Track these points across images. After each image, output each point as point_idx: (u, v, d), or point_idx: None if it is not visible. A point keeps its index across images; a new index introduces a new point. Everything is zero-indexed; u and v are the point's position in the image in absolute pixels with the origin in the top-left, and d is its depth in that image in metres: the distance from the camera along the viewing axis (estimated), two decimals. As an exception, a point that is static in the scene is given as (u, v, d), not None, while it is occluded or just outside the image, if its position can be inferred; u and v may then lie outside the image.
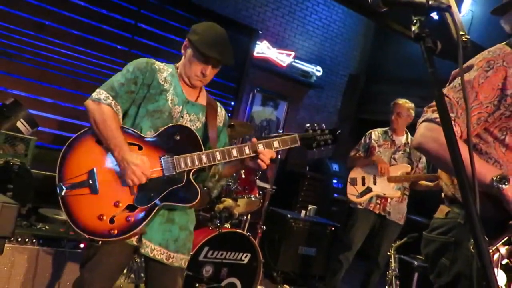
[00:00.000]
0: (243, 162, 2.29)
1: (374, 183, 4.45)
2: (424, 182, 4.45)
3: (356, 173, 4.57)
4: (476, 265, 1.58)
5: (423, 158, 4.56)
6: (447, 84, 1.78)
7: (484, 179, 1.58)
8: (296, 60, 7.83)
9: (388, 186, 4.41)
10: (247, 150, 2.19)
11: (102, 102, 2.17)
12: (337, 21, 8.44)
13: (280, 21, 7.79)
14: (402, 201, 4.50)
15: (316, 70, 8.07)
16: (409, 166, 4.47)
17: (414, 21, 1.13)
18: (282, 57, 7.66)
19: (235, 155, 2.19)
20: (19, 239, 2.88)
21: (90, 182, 2.13)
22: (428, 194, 6.81)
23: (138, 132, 2.22)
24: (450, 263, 1.74)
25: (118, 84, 2.23)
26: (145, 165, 2.10)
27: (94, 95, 2.21)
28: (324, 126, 2.30)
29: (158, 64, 2.36)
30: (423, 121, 1.69)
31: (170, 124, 2.23)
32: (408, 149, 4.53)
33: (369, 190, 4.45)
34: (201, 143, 2.23)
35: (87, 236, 2.10)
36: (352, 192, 4.51)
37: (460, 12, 6.58)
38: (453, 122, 1.62)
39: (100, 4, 5.93)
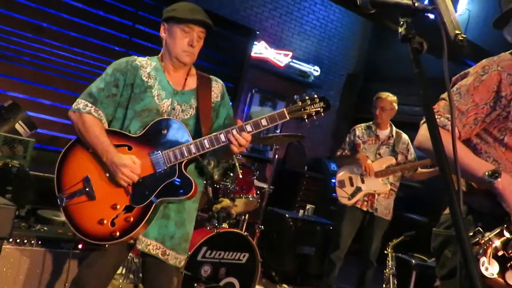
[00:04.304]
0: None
1: (362, 181, 4.46)
2: (421, 170, 4.46)
3: (342, 175, 4.58)
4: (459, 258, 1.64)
5: (412, 150, 4.57)
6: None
7: (477, 173, 1.69)
8: (294, 60, 7.84)
9: (376, 182, 4.41)
10: (235, 133, 2.14)
11: (82, 111, 2.20)
12: (335, 20, 8.46)
13: (278, 21, 7.81)
14: (389, 197, 4.50)
15: (314, 70, 8.08)
16: (393, 158, 4.46)
17: (401, 22, 1.16)
18: (280, 57, 7.68)
19: (223, 140, 2.15)
20: (18, 241, 2.89)
21: (87, 189, 2.18)
22: (424, 192, 6.85)
23: (126, 132, 2.23)
24: (451, 255, 1.83)
25: (96, 89, 2.24)
26: (134, 164, 2.12)
27: (73, 105, 2.23)
28: (314, 95, 2.20)
29: (140, 60, 2.32)
30: (424, 122, 1.80)
31: (156, 119, 2.21)
32: (392, 142, 4.53)
33: (358, 189, 4.45)
34: (189, 133, 2.20)
35: (91, 242, 2.14)
36: (342, 195, 4.51)
37: (456, 11, 6.60)
38: (450, 122, 1.69)
39: (97, 6, 5.95)
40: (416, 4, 1.12)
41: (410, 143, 4.57)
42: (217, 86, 2.43)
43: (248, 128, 2.14)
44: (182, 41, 2.23)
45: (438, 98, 1.87)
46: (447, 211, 1.94)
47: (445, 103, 1.80)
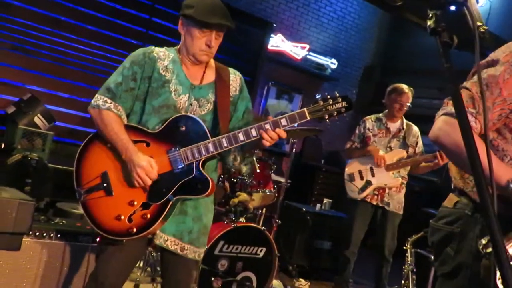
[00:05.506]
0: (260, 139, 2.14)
1: (373, 175, 4.39)
2: (423, 164, 4.39)
3: (352, 168, 4.51)
4: (493, 263, 1.54)
5: (420, 143, 4.49)
6: (468, 76, 1.72)
7: (500, 180, 1.53)
8: (310, 53, 7.77)
9: (387, 175, 4.35)
10: (254, 133, 2.10)
11: (101, 108, 2.17)
12: (352, 13, 8.37)
13: (295, 13, 7.75)
14: (400, 191, 4.44)
15: (331, 63, 8.01)
16: (403, 150, 4.39)
17: (430, 15, 1.11)
18: (297, 50, 7.62)
19: (242, 139, 2.10)
20: (37, 234, 2.92)
21: (105, 184, 2.18)
22: (443, 186, 6.75)
23: (144, 128, 2.21)
24: (454, 252, 1.73)
25: (115, 84, 2.21)
26: (151, 167, 2.10)
27: (93, 101, 2.21)
28: (337, 94, 2.09)
29: (157, 52, 2.28)
30: (442, 114, 1.64)
31: (174, 116, 2.18)
32: (403, 134, 4.46)
33: (369, 183, 4.39)
34: (207, 130, 2.16)
35: (108, 237, 2.15)
36: (352, 189, 4.46)
37: (478, 2, 6.47)
38: (473, 118, 1.58)
39: (114, -1, 5.97)
40: (446, -4, 1.08)
41: (419, 136, 4.50)
42: (236, 80, 2.38)
43: (267, 127, 2.08)
44: (200, 41, 2.19)
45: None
46: (446, 203, 1.85)
47: (469, 94, 1.62)
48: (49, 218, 3.18)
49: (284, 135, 2.09)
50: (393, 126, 4.49)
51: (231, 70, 2.40)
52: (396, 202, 4.41)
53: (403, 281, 3.94)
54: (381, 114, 4.56)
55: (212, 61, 2.37)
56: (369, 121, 4.55)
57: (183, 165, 2.14)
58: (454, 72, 1.07)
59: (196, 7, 2.16)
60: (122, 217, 2.13)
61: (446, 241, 1.77)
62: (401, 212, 4.45)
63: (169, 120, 2.18)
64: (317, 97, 2.10)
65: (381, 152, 4.35)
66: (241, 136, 2.11)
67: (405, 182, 4.46)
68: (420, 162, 4.37)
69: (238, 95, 2.37)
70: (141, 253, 2.47)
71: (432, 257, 4.39)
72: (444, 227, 1.80)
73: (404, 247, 4.05)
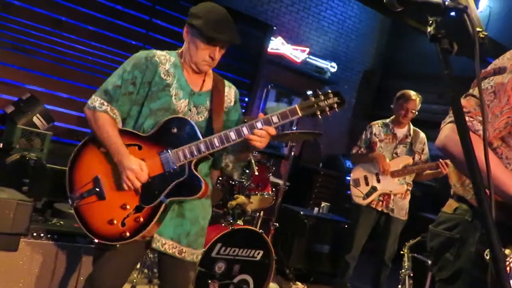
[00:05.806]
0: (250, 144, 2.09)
1: (378, 181, 4.38)
2: (427, 171, 4.38)
3: (357, 174, 4.50)
4: (491, 272, 1.53)
5: (426, 149, 4.47)
6: (472, 84, 1.71)
7: (508, 189, 1.53)
8: (310, 56, 7.78)
9: (392, 182, 4.34)
10: (245, 131, 2.06)
11: (97, 110, 2.16)
12: (352, 16, 8.38)
13: (295, 16, 7.76)
14: (405, 197, 4.42)
15: (331, 66, 8.02)
16: (410, 157, 4.38)
17: (430, 21, 1.10)
18: (297, 53, 7.63)
19: (234, 138, 2.07)
20: (34, 234, 2.91)
21: (97, 189, 2.16)
22: (441, 191, 6.75)
23: (137, 132, 2.19)
24: (453, 258, 1.73)
25: (113, 87, 2.19)
26: (141, 170, 2.09)
27: (89, 102, 2.19)
28: (328, 90, 2.06)
29: (159, 56, 2.26)
30: (449, 122, 1.62)
31: (166, 118, 2.16)
32: (409, 141, 4.44)
33: (374, 189, 4.37)
34: (198, 132, 2.14)
35: (102, 242, 2.13)
36: (357, 194, 4.44)
37: (477, 8, 6.48)
38: (482, 126, 1.50)
39: (115, 0, 5.97)
40: (446, 3, 1.07)
41: (426, 142, 4.49)
42: (231, 92, 2.39)
43: (259, 124, 2.05)
44: (204, 52, 2.18)
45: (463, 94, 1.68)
46: (446, 208, 1.84)
47: (476, 102, 1.61)
48: (46, 218, 3.18)
49: (273, 132, 2.05)
50: (400, 132, 4.47)
51: (226, 82, 2.41)
52: (401, 208, 4.39)
53: (400, 286, 3.94)
54: (388, 120, 4.54)
55: (210, 71, 2.38)
56: (376, 126, 4.53)
57: (175, 167, 2.12)
58: (453, 78, 1.07)
59: (204, 19, 2.14)
60: (115, 222, 2.11)
61: (446, 247, 1.77)
62: (405, 218, 4.43)
63: (161, 122, 2.16)
64: (308, 93, 2.07)
65: (387, 160, 4.34)
66: (232, 135, 2.08)
67: (410, 188, 4.44)
68: (425, 170, 4.36)
69: (232, 107, 2.39)
70: (139, 257, 2.45)
71: (429, 262, 4.40)
72: (443, 232, 1.79)
73: (401, 252, 4.05)
